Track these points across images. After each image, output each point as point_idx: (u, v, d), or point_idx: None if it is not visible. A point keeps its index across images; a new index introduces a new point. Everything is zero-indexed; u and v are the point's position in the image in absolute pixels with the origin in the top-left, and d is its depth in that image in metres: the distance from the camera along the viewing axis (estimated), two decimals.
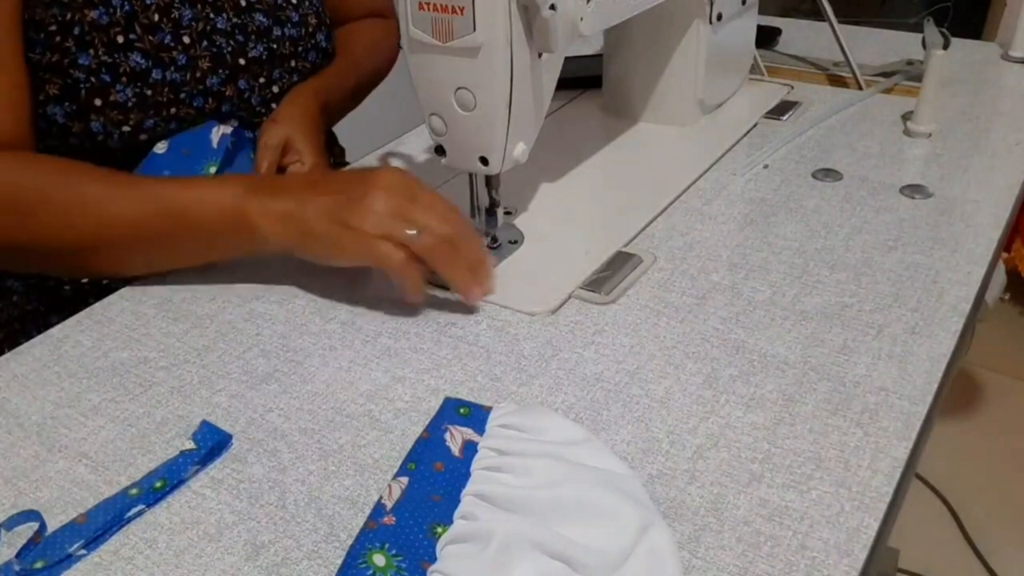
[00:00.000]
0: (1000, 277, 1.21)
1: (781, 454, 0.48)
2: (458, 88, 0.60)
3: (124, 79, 0.71)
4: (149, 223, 0.62)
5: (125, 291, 0.66)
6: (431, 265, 0.58)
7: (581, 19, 0.62)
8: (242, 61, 0.79)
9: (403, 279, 0.59)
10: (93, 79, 0.70)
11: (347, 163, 1.01)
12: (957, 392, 1.72)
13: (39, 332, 0.62)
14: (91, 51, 0.70)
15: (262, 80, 0.81)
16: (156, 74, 0.73)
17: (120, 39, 0.71)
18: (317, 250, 0.60)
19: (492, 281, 0.62)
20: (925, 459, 0.56)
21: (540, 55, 0.61)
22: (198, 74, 0.75)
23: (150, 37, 0.73)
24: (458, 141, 0.63)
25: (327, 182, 0.63)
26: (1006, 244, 1.11)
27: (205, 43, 0.76)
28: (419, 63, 0.61)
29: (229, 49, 0.78)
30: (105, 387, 0.56)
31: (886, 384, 0.53)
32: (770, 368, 0.54)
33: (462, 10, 0.56)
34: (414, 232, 0.57)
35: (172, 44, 0.74)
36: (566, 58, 0.65)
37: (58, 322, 0.63)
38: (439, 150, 0.64)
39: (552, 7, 0.57)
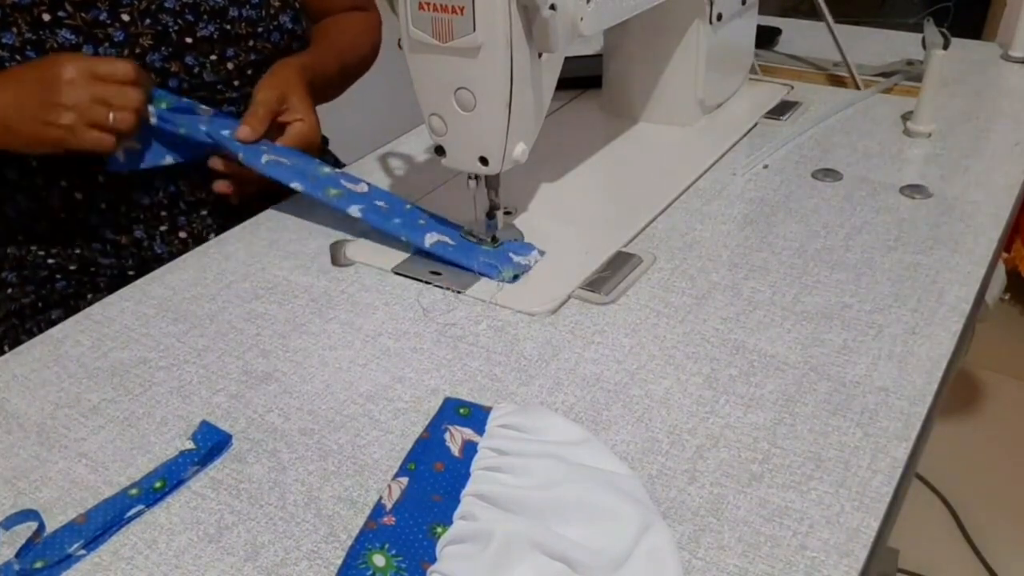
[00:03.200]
0: (1000, 277, 1.20)
1: (781, 454, 0.48)
2: (458, 88, 0.60)
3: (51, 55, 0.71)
4: None
5: (125, 291, 0.66)
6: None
7: (581, 19, 0.62)
8: (189, 40, 0.78)
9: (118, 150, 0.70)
10: (19, 56, 0.71)
11: (338, 159, 1.00)
12: (957, 392, 1.72)
13: (38, 327, 0.62)
14: (14, 30, 0.70)
15: (213, 57, 0.80)
16: (87, 50, 0.73)
17: (46, 17, 0.71)
18: (18, 144, 0.70)
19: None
20: (925, 459, 0.56)
21: (540, 55, 0.61)
22: (137, 51, 0.75)
23: (82, 15, 0.73)
24: (458, 141, 0.63)
25: (12, 79, 0.70)
26: (1006, 244, 1.11)
27: (148, 21, 0.76)
28: (419, 63, 0.61)
29: (176, 27, 0.77)
30: (105, 387, 0.56)
31: (886, 384, 0.53)
32: (770, 368, 0.54)
33: (462, 10, 0.56)
34: (112, 116, 0.68)
35: (108, 21, 0.74)
36: (566, 58, 0.65)
37: (56, 317, 0.63)
38: (439, 150, 0.64)
39: (552, 7, 0.57)
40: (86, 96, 0.68)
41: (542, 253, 0.66)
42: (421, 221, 0.68)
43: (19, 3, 0.70)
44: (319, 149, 0.81)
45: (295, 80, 0.80)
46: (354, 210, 0.69)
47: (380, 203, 0.70)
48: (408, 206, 0.71)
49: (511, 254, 0.66)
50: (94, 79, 0.68)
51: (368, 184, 0.73)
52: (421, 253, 0.67)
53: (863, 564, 0.42)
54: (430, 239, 0.66)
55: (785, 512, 0.44)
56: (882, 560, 0.46)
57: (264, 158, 0.72)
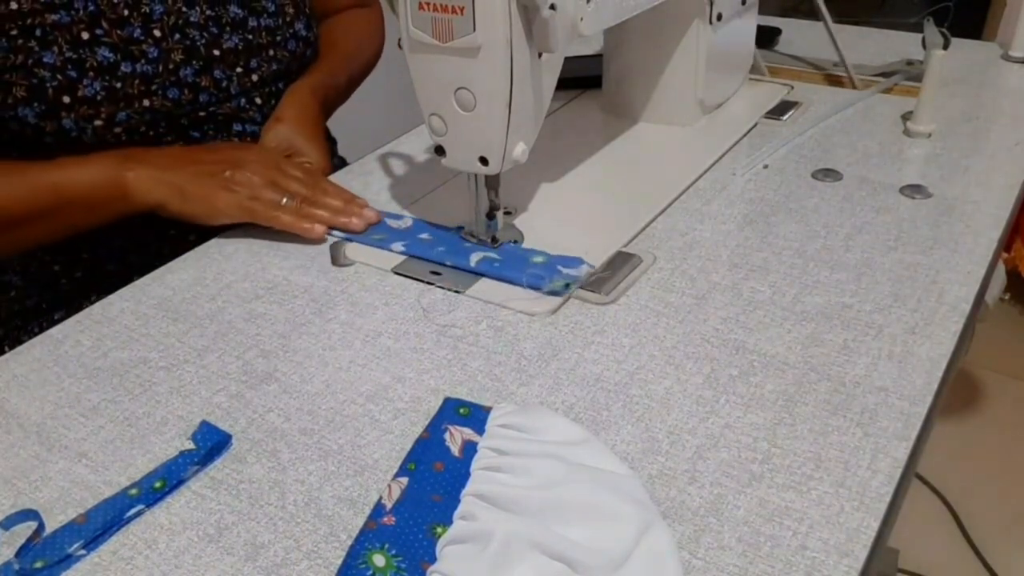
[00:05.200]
0: (1000, 277, 1.20)
1: (781, 454, 0.48)
2: (458, 88, 0.60)
3: (91, 73, 0.72)
4: (35, 202, 0.70)
5: (125, 291, 0.66)
6: (304, 217, 0.71)
7: (581, 19, 0.62)
8: (216, 52, 0.79)
9: (280, 227, 0.70)
10: (60, 76, 0.71)
11: (342, 158, 1.00)
12: (957, 392, 1.72)
13: (40, 328, 0.62)
14: (55, 48, 0.70)
15: (239, 70, 0.81)
16: (125, 67, 0.73)
17: (85, 35, 0.71)
18: (191, 207, 0.70)
19: (369, 211, 0.72)
20: (925, 459, 0.56)
21: (540, 55, 0.61)
22: (171, 66, 0.76)
23: (118, 32, 0.73)
24: (458, 141, 0.63)
25: (202, 152, 0.74)
26: (1006, 244, 1.11)
27: (177, 36, 0.76)
28: (419, 63, 0.61)
29: (203, 41, 0.78)
30: (105, 387, 0.56)
31: (886, 384, 0.53)
32: (770, 368, 0.54)
33: (462, 10, 0.56)
34: (284, 199, 0.70)
35: (142, 38, 0.74)
36: (566, 58, 0.65)
37: (59, 318, 0.63)
38: (439, 150, 0.64)
39: (552, 7, 0.57)
40: (259, 178, 0.70)
41: (592, 267, 0.64)
42: (466, 244, 0.68)
43: (59, 22, 0.70)
44: (328, 171, 0.82)
45: (305, 112, 0.82)
46: (397, 247, 0.68)
47: (424, 236, 0.70)
48: (451, 229, 0.70)
49: (559, 267, 0.64)
50: (276, 169, 0.72)
51: (412, 219, 0.73)
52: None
53: (863, 564, 0.42)
54: (475, 258, 0.66)
55: (785, 512, 0.44)
56: (882, 560, 0.46)
57: None
